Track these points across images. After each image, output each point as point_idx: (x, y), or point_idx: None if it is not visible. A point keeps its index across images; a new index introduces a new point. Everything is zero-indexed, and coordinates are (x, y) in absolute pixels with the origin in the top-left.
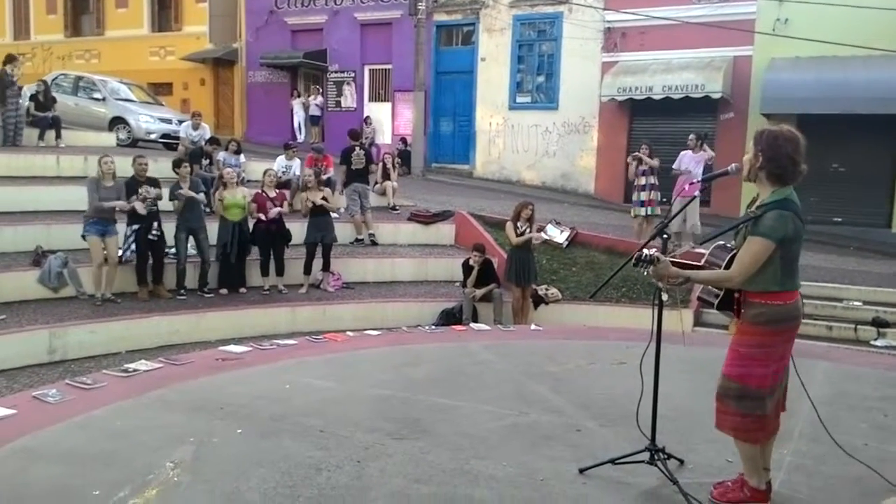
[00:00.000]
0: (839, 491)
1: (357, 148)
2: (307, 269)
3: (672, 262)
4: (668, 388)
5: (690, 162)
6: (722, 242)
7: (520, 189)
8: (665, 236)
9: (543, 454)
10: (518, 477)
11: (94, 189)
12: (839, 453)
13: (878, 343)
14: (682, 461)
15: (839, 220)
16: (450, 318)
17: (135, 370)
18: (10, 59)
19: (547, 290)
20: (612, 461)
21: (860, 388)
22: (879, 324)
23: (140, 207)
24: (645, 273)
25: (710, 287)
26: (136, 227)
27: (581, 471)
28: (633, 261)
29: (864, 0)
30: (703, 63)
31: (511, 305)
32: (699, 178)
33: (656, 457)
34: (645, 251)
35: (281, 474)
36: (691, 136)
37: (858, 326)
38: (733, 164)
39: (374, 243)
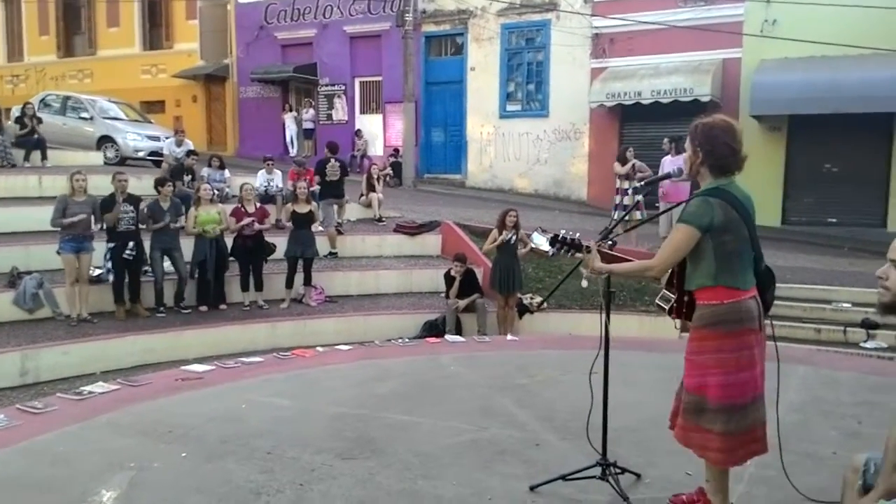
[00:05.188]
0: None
1: (332, 160)
2: (289, 284)
3: (606, 254)
4: (640, 398)
5: (671, 167)
6: None
7: (512, 197)
8: (610, 242)
9: (497, 471)
10: (466, 496)
11: (61, 206)
12: (805, 464)
13: (868, 345)
14: (638, 475)
15: (833, 220)
16: (433, 329)
17: (90, 392)
18: None
19: (532, 298)
20: (563, 477)
21: (837, 394)
22: (869, 325)
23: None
24: (568, 256)
25: (665, 292)
26: (111, 245)
27: (532, 488)
28: (550, 241)
29: None
30: (692, 66)
31: (496, 314)
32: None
33: (608, 472)
34: (566, 233)
35: (218, 500)
36: (665, 140)
37: (848, 329)
38: (675, 167)
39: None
